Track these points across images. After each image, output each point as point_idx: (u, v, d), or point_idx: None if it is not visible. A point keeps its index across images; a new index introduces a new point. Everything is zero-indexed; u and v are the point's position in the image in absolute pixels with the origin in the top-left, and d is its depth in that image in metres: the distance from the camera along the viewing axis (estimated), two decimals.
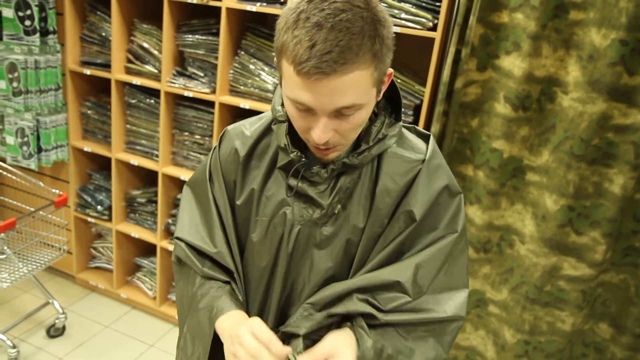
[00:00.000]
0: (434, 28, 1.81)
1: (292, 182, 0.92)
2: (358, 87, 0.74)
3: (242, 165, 0.97)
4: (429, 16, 1.81)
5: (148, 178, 2.69)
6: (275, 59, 0.80)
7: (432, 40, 1.81)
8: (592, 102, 1.70)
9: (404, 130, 0.96)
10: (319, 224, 0.92)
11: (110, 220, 2.63)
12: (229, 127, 1.03)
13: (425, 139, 0.96)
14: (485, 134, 1.90)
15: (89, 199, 2.64)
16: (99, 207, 2.62)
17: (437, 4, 1.81)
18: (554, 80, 1.76)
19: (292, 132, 0.90)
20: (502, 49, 1.79)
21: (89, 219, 2.67)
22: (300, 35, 0.71)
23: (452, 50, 1.83)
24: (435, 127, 1.91)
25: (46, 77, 2.38)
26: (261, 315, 1.00)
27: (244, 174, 0.98)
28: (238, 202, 0.99)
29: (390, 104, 0.93)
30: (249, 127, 0.99)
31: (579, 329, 2.00)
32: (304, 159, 0.90)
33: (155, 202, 2.57)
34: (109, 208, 2.62)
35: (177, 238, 1.05)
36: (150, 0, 2.27)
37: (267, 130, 0.98)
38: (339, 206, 0.91)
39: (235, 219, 1.00)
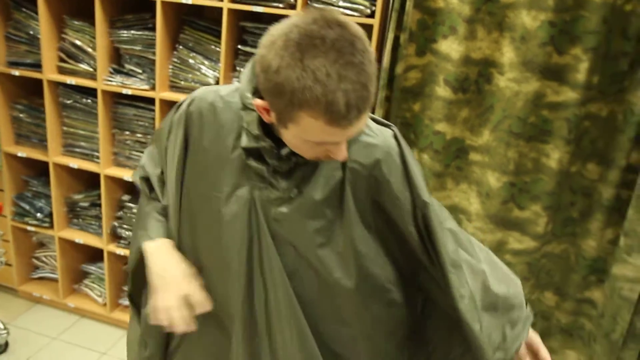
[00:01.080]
0: (371, 15, 1.83)
1: (253, 164, 0.93)
2: (368, 115, 0.84)
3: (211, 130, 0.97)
4: (367, 3, 1.83)
5: (90, 181, 2.58)
6: (262, 103, 0.81)
7: (371, 27, 1.83)
8: (526, 82, 1.77)
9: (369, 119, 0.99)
10: (274, 204, 0.95)
11: (52, 227, 2.51)
12: (198, 93, 1.01)
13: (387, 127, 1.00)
14: (427, 117, 1.94)
15: (27, 207, 2.51)
16: (38, 215, 2.50)
17: None
18: (490, 62, 1.82)
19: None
20: (439, 33, 1.83)
21: (29, 228, 2.54)
22: (328, 94, 0.71)
23: (390, 37, 1.85)
24: (378, 113, 1.93)
25: None
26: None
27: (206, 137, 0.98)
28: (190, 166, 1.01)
29: None
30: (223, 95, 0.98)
31: (526, 300, 2.08)
32: (275, 150, 0.90)
33: (99, 205, 2.47)
34: (50, 215, 2.50)
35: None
36: None
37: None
38: (295, 190, 0.93)
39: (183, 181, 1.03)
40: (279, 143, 0.89)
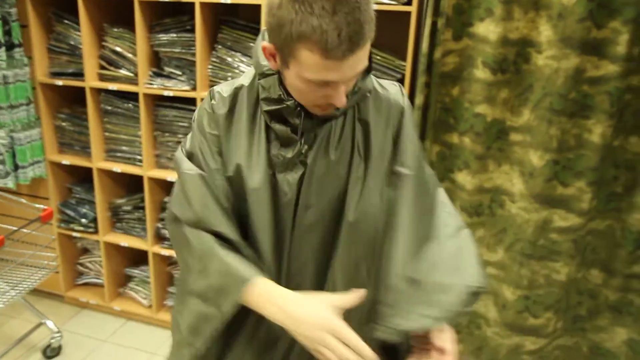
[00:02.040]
0: (409, 2, 1.87)
1: (277, 126, 0.97)
2: (367, 52, 0.86)
3: (223, 128, 1.01)
4: None
5: (132, 185, 2.64)
6: (268, 45, 0.87)
7: (409, 14, 1.86)
8: (565, 58, 1.79)
9: (375, 79, 1.06)
10: (291, 166, 0.99)
11: (96, 232, 2.57)
12: (213, 89, 1.05)
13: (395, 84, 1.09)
14: (467, 100, 1.97)
15: (72, 213, 2.57)
16: (83, 220, 2.56)
17: None
18: (527, 42, 1.85)
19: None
20: (475, 16, 1.87)
21: (74, 234, 2.60)
22: (322, 24, 0.77)
23: (428, 23, 1.89)
24: (419, 99, 1.96)
25: (16, 91, 2.31)
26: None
27: (226, 138, 1.01)
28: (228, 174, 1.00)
29: None
30: (225, 90, 1.03)
31: (573, 278, 2.09)
32: (298, 108, 0.95)
33: (142, 208, 2.53)
34: (94, 220, 2.56)
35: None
36: (119, 3, 2.24)
37: (236, 93, 1.02)
38: (306, 146, 0.98)
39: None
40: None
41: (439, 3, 1.86)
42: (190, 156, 1.02)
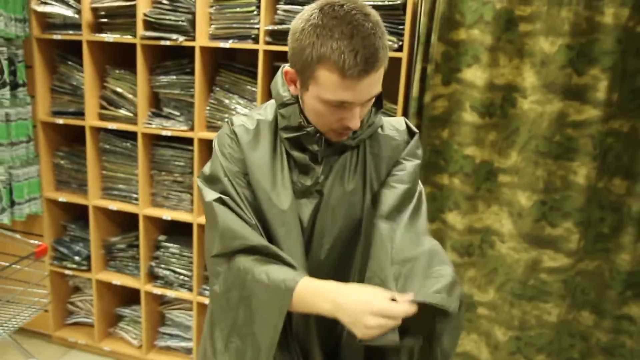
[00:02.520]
0: (399, 49, 1.96)
1: (296, 153, 1.03)
2: (381, 78, 0.94)
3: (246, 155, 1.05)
4: (394, 39, 1.97)
5: (126, 223, 2.66)
6: (290, 70, 0.96)
7: (400, 60, 1.96)
8: (549, 103, 1.87)
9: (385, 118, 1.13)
10: (309, 193, 1.04)
11: (89, 270, 2.56)
12: (231, 120, 1.09)
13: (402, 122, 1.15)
14: (456, 142, 2.03)
15: (66, 251, 2.57)
16: (76, 258, 2.56)
17: (400, 27, 1.97)
18: (513, 87, 1.93)
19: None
20: (463, 63, 1.96)
21: (67, 272, 2.59)
22: (341, 46, 0.86)
23: (418, 68, 1.98)
24: None
25: (17, 129, 2.37)
26: None
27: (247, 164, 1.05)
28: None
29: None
30: (249, 123, 1.07)
31: (564, 320, 2.10)
32: (317, 135, 1.01)
33: (136, 246, 2.53)
34: (88, 258, 2.56)
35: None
36: (122, 46, 2.33)
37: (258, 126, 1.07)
38: (322, 176, 1.04)
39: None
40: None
41: (428, 50, 1.96)
42: (211, 180, 1.03)
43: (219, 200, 1.00)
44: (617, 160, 1.91)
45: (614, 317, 2.07)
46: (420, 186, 1.12)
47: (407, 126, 1.14)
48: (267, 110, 1.09)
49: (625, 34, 1.76)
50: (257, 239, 0.99)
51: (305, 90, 0.96)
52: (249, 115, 1.09)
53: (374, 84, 0.91)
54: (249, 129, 1.05)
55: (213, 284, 1.04)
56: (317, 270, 1.05)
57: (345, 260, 1.09)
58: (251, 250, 0.99)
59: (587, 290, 2.08)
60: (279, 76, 1.05)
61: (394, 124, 1.13)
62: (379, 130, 1.09)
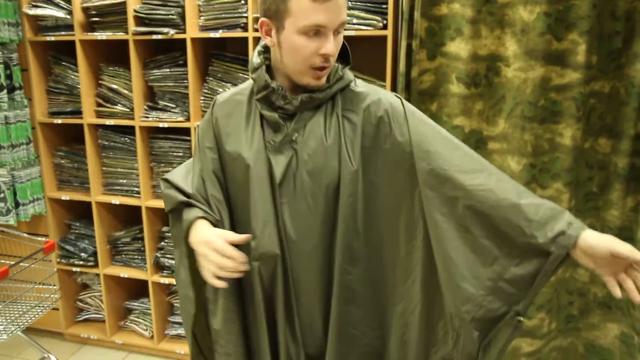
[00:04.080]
0: (384, 27, 2.03)
1: (267, 112, 1.11)
2: (345, 7, 1.04)
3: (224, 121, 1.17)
4: (378, 18, 2.03)
5: (129, 217, 2.71)
6: (264, 20, 1.05)
7: (385, 38, 2.02)
8: (532, 69, 1.94)
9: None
10: (281, 149, 1.11)
11: (96, 265, 2.62)
12: (217, 96, 1.23)
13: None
14: (445, 114, 2.10)
15: (72, 249, 2.63)
16: (83, 255, 2.61)
17: (384, 6, 2.03)
18: (496, 57, 2.00)
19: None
20: (446, 36, 2.02)
21: (74, 269, 2.65)
22: None
23: (403, 45, 2.04)
24: None
25: (17, 131, 2.42)
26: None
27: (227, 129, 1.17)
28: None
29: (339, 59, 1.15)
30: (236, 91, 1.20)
31: (561, 278, 2.17)
32: (282, 89, 1.09)
33: (141, 239, 2.59)
34: (94, 254, 2.62)
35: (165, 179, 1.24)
36: (114, 43, 2.38)
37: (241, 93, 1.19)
38: (296, 134, 1.10)
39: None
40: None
41: (412, 26, 2.02)
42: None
43: (164, 178, 1.22)
44: (601, 121, 1.99)
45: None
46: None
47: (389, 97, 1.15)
48: (246, 84, 1.20)
49: None
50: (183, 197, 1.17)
51: (282, 30, 1.03)
52: (231, 90, 1.21)
53: (342, 7, 1.01)
54: (227, 102, 1.18)
55: None
56: (304, 225, 1.11)
57: (331, 213, 1.12)
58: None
59: None
60: (255, 49, 1.15)
61: (370, 88, 1.16)
62: (352, 86, 1.14)
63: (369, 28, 2.03)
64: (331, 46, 1.02)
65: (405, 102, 1.14)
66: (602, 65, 1.91)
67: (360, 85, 1.16)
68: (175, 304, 2.67)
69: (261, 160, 1.11)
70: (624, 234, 2.07)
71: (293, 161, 1.10)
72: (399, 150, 1.09)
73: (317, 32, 1.01)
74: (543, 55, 1.92)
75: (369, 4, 2.04)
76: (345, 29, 2.01)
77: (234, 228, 1.18)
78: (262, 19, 1.06)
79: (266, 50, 1.14)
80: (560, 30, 1.90)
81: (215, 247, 1.03)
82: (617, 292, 0.96)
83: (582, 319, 2.22)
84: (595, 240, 0.97)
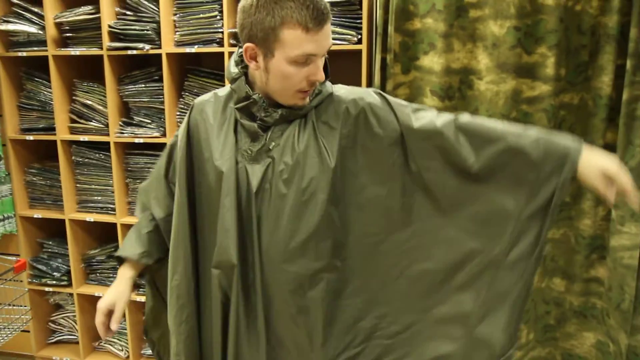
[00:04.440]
0: (359, 42, 2.06)
1: (246, 122, 1.12)
2: (331, 32, 1.06)
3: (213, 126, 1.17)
4: (353, 32, 2.06)
5: (104, 235, 2.66)
6: (249, 45, 1.03)
7: (360, 52, 2.05)
8: (503, 82, 1.99)
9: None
10: (258, 158, 1.12)
11: (70, 285, 2.56)
12: (196, 100, 1.24)
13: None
14: None
15: (44, 268, 2.56)
16: (55, 274, 2.55)
17: (358, 21, 2.06)
18: (469, 70, 2.04)
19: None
20: (420, 50, 2.06)
21: (47, 289, 2.58)
22: (298, 5, 0.99)
23: (378, 59, 2.07)
24: None
25: None
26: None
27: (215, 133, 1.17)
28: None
29: None
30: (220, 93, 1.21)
31: (538, 288, 2.20)
32: (263, 101, 1.10)
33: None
34: (67, 273, 2.55)
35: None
36: (89, 58, 2.36)
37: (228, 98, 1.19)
38: (273, 143, 1.11)
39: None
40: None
41: (386, 41, 2.06)
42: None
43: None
44: (572, 131, 2.03)
45: (583, 281, 2.18)
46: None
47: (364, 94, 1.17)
48: (223, 90, 1.21)
49: (566, 13, 1.89)
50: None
51: (270, 58, 1.03)
52: (208, 94, 1.22)
53: (329, 34, 1.04)
54: (203, 104, 1.20)
55: None
56: (279, 234, 1.10)
57: (309, 217, 1.11)
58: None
59: (556, 258, 2.19)
60: (231, 59, 1.15)
61: (348, 90, 1.17)
62: (328, 96, 1.15)
63: (344, 42, 2.05)
64: (321, 73, 1.05)
65: (385, 95, 1.16)
66: (571, 77, 1.97)
67: (338, 89, 1.17)
68: None
69: (232, 168, 1.11)
70: (596, 242, 2.11)
71: (269, 171, 1.11)
72: (385, 141, 1.11)
73: (306, 59, 1.03)
74: (514, 68, 1.97)
75: (343, 19, 2.07)
76: None
77: (194, 232, 1.20)
78: (247, 44, 1.05)
79: (242, 59, 1.14)
80: (530, 43, 1.95)
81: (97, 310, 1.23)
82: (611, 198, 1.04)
83: (559, 329, 2.24)
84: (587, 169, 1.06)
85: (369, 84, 2.14)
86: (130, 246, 1.24)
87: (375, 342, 1.17)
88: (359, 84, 2.12)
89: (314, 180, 1.09)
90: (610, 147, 1.98)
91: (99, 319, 1.22)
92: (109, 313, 1.23)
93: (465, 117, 1.12)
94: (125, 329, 2.56)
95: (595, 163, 1.05)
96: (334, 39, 2.06)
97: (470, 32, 2.01)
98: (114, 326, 1.23)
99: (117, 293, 1.23)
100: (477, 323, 1.13)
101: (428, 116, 1.13)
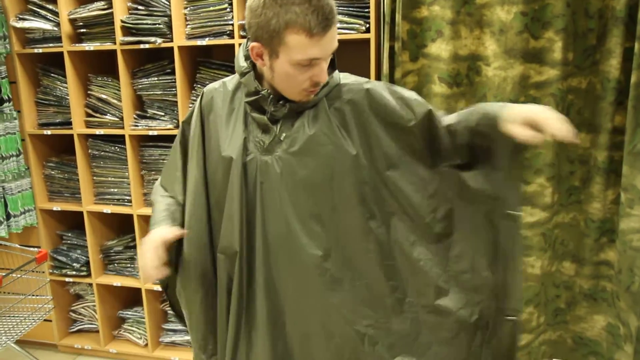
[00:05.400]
0: (367, 30, 2.08)
1: (256, 115, 1.14)
2: (336, 32, 1.07)
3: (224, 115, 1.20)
4: (361, 21, 2.08)
5: (121, 226, 2.73)
6: (256, 44, 1.06)
7: (368, 40, 2.07)
8: (511, 68, 2.00)
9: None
10: (269, 149, 1.14)
11: (89, 275, 2.63)
12: (206, 87, 1.27)
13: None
14: None
15: (64, 259, 2.63)
16: (75, 265, 2.62)
17: (366, 10, 2.09)
18: (476, 56, 2.06)
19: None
20: (427, 38, 2.08)
21: (67, 279, 2.65)
22: (304, 10, 0.99)
23: (386, 47, 2.09)
24: None
25: (6, 143, 2.43)
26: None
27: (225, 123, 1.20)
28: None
29: None
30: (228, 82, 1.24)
31: (547, 272, 2.22)
32: (272, 96, 1.13)
33: (133, 247, 2.61)
34: (87, 264, 2.63)
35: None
36: (102, 53, 2.41)
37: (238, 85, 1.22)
38: (284, 134, 1.14)
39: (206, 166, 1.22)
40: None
41: (394, 29, 2.08)
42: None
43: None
44: (580, 116, 2.05)
45: (593, 264, 2.19)
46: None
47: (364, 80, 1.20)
48: (232, 79, 1.23)
49: None
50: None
51: (275, 59, 1.06)
52: (217, 83, 1.25)
53: (334, 37, 1.05)
54: (212, 93, 1.23)
55: None
56: (289, 223, 1.13)
57: (325, 206, 1.15)
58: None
59: (566, 242, 2.21)
60: (240, 51, 1.17)
61: (354, 78, 1.20)
62: (335, 87, 1.17)
63: (352, 32, 2.08)
64: (325, 75, 1.07)
65: (390, 85, 1.19)
66: (578, 61, 1.97)
67: (344, 78, 1.20)
68: (169, 311, 2.68)
69: (239, 157, 1.14)
70: (607, 225, 2.12)
71: (280, 160, 1.14)
72: (399, 123, 1.15)
73: (310, 62, 1.04)
74: (521, 53, 1.98)
75: (351, 9, 2.09)
76: None
77: (209, 217, 1.23)
78: (253, 44, 1.07)
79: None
80: (536, 28, 1.96)
81: (143, 249, 1.12)
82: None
83: (570, 312, 2.26)
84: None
85: (378, 72, 2.17)
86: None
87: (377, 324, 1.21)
88: (367, 73, 2.14)
89: (326, 172, 1.12)
90: (619, 131, 1.99)
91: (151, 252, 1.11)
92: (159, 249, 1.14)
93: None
94: (144, 318, 2.63)
95: (519, 110, 1.07)
96: (342, 28, 2.09)
97: (477, 18, 2.02)
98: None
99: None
100: None
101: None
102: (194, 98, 2.34)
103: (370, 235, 1.16)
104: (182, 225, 1.24)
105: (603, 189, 2.09)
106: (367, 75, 2.15)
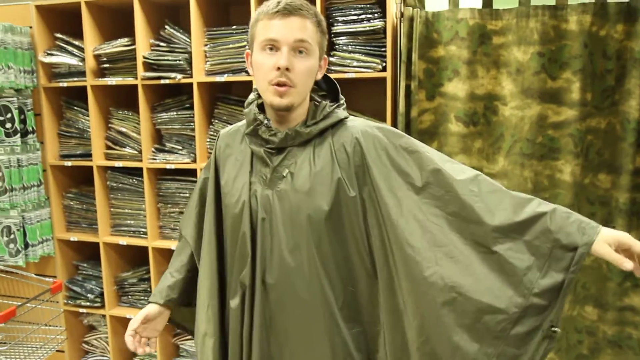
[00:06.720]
0: (384, 69, 2.10)
1: (255, 147, 1.18)
2: (308, 32, 1.10)
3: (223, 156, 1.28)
4: (378, 60, 2.10)
5: (136, 259, 2.74)
6: (248, 45, 1.17)
7: (385, 79, 2.09)
8: (528, 107, 1.99)
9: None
10: (270, 184, 1.16)
11: (103, 306, 2.63)
12: (222, 131, 1.33)
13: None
14: (445, 153, 2.13)
15: (79, 289, 2.64)
16: (89, 296, 2.62)
17: (382, 49, 2.11)
18: (493, 96, 2.05)
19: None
20: (444, 77, 2.08)
21: (81, 310, 2.66)
22: (269, 3, 1.10)
23: (402, 86, 2.10)
24: None
25: (28, 174, 2.49)
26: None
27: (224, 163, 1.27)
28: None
29: (329, 96, 1.24)
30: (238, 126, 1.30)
31: (569, 316, 2.15)
32: (268, 120, 1.16)
33: (147, 279, 2.61)
34: (101, 295, 2.63)
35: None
36: (124, 88, 2.47)
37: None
38: (287, 170, 1.14)
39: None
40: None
41: (410, 68, 2.09)
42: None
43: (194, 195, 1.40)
44: (599, 156, 2.01)
45: (616, 309, 2.11)
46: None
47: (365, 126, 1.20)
48: (244, 122, 1.26)
49: (590, 38, 1.89)
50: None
51: (252, 54, 1.14)
52: (234, 125, 1.31)
53: (297, 28, 1.08)
54: (227, 135, 1.28)
55: None
56: (288, 261, 1.14)
57: (323, 242, 1.14)
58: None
59: (587, 285, 2.14)
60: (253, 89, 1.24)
61: (363, 122, 1.20)
62: (347, 122, 1.19)
63: (369, 70, 2.10)
64: (283, 60, 1.08)
65: (394, 132, 1.19)
66: (597, 102, 1.95)
67: (352, 120, 1.21)
68: (180, 346, 2.66)
69: (245, 195, 1.17)
70: None
71: (282, 196, 1.14)
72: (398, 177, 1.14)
73: (272, 47, 1.09)
74: (539, 93, 1.97)
75: (368, 47, 2.12)
76: (345, 72, 2.07)
77: (221, 253, 1.27)
78: (246, 51, 1.18)
79: None
80: (554, 69, 1.96)
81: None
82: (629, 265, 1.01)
83: (593, 359, 2.18)
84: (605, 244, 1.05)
85: (394, 110, 2.17)
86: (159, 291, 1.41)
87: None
88: (384, 111, 2.15)
89: (322, 210, 1.12)
90: None
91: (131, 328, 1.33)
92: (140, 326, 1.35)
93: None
94: (156, 352, 2.61)
95: (609, 235, 1.04)
96: (358, 67, 2.11)
97: (494, 58, 2.02)
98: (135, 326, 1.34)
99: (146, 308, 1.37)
100: None
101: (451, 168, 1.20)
102: (212, 133, 2.37)
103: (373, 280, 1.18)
104: (192, 267, 1.35)
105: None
106: (384, 114, 2.15)
